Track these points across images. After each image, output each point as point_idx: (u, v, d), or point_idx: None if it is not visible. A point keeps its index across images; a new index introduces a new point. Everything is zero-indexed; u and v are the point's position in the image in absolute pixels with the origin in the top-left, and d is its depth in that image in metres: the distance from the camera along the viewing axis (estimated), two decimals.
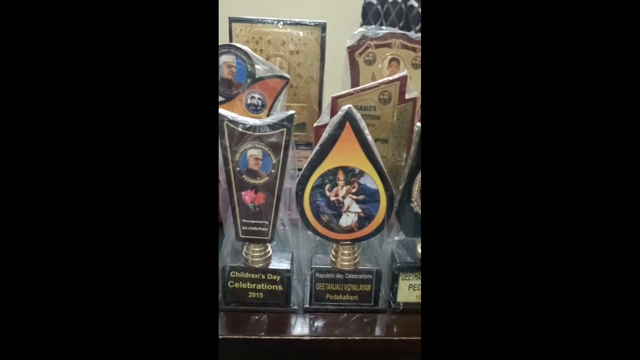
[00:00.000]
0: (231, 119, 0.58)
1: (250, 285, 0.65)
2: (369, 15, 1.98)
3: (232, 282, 0.65)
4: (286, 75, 0.88)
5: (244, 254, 0.66)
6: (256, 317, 0.65)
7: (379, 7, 1.90)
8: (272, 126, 0.58)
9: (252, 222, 0.63)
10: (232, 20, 1.01)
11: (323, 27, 1.02)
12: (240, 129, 0.58)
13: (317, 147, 0.59)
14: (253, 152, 0.59)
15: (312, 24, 1.01)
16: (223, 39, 1.01)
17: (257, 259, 0.65)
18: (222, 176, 0.62)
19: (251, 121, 0.59)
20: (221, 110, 0.59)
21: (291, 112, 0.59)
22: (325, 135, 0.59)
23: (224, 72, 0.85)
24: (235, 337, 0.62)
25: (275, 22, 1.01)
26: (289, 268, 0.64)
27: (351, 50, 1.01)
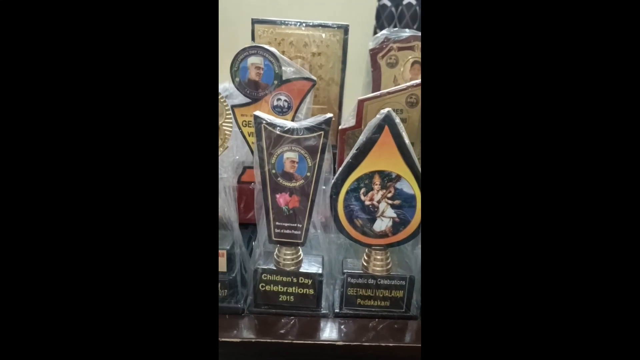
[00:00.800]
0: (269, 121, 0.58)
1: (281, 289, 0.65)
2: (382, 18, 1.97)
3: (263, 284, 0.65)
4: (313, 77, 0.87)
5: (275, 256, 0.66)
6: (286, 321, 0.65)
7: (393, 9, 1.90)
8: (310, 129, 0.58)
9: (286, 224, 0.63)
10: (254, 21, 1.01)
11: (346, 29, 1.02)
12: (277, 132, 0.58)
13: (353, 151, 0.59)
14: (289, 155, 0.59)
15: (335, 26, 1.01)
16: (246, 40, 1.01)
17: (288, 262, 0.65)
18: (257, 178, 0.61)
19: (289, 124, 0.58)
20: (258, 113, 0.59)
21: (329, 115, 0.58)
22: (362, 138, 0.58)
23: (251, 74, 0.84)
24: (265, 340, 0.62)
25: (298, 23, 1.00)
26: (321, 272, 0.64)
27: (373, 53, 1.00)
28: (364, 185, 0.60)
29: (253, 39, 1.02)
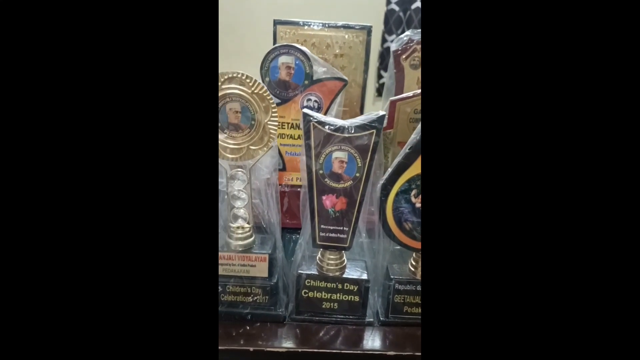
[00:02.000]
0: (318, 119, 0.55)
1: (325, 295, 0.62)
2: (390, 22, 1.97)
3: (306, 291, 0.62)
4: (344, 77, 0.85)
5: (318, 261, 0.63)
6: (330, 329, 0.62)
7: (401, 13, 1.89)
8: (362, 127, 0.55)
9: (331, 228, 0.60)
10: (276, 22, 0.99)
11: (369, 30, 1.00)
12: (327, 130, 0.55)
13: (405, 150, 0.56)
14: (338, 155, 0.56)
15: (358, 27, 0.99)
16: (268, 41, 0.99)
17: (332, 267, 0.62)
18: (303, 179, 0.59)
19: (339, 122, 0.56)
20: (307, 110, 0.56)
21: (382, 112, 0.56)
22: (414, 137, 0.56)
23: (282, 74, 0.82)
24: (309, 350, 0.58)
25: (321, 24, 0.98)
26: (367, 278, 0.61)
27: (397, 54, 0.99)
28: (415, 187, 0.57)
29: (275, 40, 1.00)
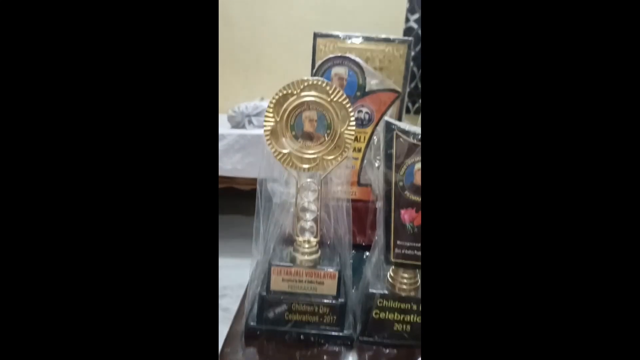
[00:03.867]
0: (402, 128, 0.53)
1: (397, 316, 0.58)
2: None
3: (378, 311, 0.58)
4: (398, 88, 0.83)
5: (389, 279, 0.59)
6: (403, 353, 0.58)
7: (420, 31, 1.90)
8: None
9: (408, 244, 0.57)
10: (317, 35, 0.97)
11: (409, 44, 0.98)
12: (412, 140, 0.53)
13: None
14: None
15: (398, 40, 0.98)
16: (308, 54, 0.97)
17: (405, 287, 0.58)
18: (379, 191, 0.56)
19: None
20: (389, 119, 0.54)
21: None
22: None
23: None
24: None
25: (361, 38, 0.97)
26: None
27: None
28: None
29: (314, 53, 0.99)
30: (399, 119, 1.03)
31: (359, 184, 0.88)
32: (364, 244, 0.76)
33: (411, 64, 1.00)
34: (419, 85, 2.06)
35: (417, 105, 2.16)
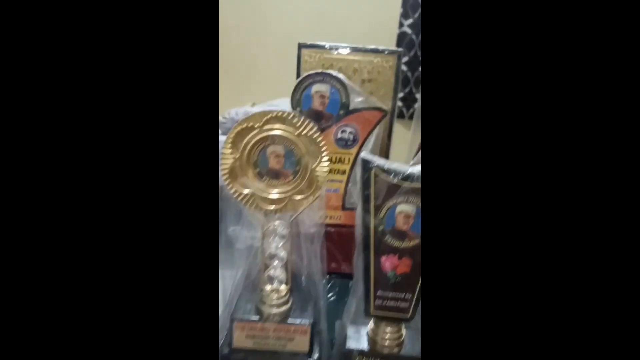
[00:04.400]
0: (382, 166, 0.45)
1: None
2: (402, 45, 1.93)
3: None
4: (384, 107, 0.76)
5: (369, 332, 0.52)
6: None
7: (413, 36, 1.84)
8: None
9: (390, 295, 0.49)
10: (301, 46, 0.90)
11: (399, 55, 0.91)
12: (392, 180, 0.45)
13: None
14: (404, 208, 0.46)
15: (387, 51, 0.91)
16: (292, 65, 0.91)
17: (387, 342, 0.51)
18: (357, 236, 0.48)
19: (409, 169, 0.46)
20: (366, 155, 0.46)
21: None
22: None
23: (315, 103, 0.73)
24: None
25: (348, 48, 0.90)
26: None
27: None
28: None
29: (299, 65, 0.92)
30: (389, 136, 0.96)
31: (344, 207, 0.81)
32: (350, 272, 0.69)
33: (401, 74, 0.93)
34: (414, 90, 1.99)
35: (411, 110, 2.10)
